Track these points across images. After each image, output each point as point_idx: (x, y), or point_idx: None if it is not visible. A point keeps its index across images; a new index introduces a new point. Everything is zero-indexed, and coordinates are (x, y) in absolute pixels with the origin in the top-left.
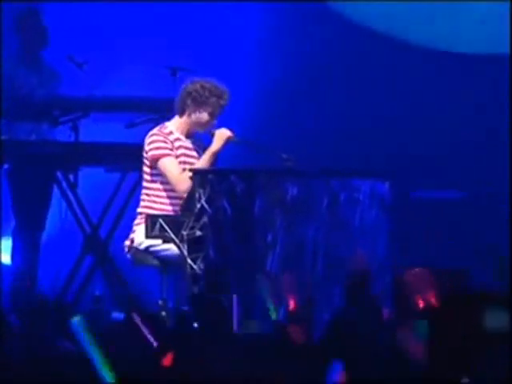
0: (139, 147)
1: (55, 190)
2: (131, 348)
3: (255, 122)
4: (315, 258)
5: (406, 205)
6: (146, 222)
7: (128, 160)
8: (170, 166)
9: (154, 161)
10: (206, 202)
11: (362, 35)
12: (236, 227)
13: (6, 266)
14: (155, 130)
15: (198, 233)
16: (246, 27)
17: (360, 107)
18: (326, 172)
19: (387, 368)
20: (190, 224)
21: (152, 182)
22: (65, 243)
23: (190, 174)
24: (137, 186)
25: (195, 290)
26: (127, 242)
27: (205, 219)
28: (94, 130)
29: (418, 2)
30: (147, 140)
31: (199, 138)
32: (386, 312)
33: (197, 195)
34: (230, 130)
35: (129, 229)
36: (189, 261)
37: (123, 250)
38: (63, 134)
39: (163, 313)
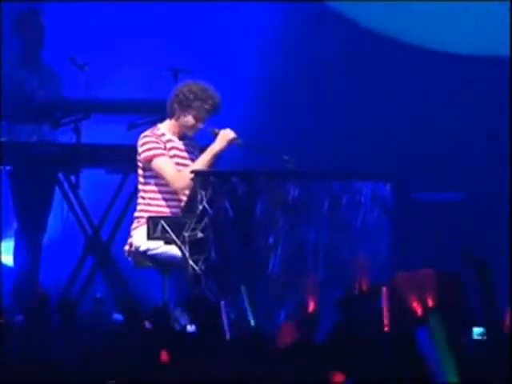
0: None
1: (57, 191)
2: (131, 348)
3: (255, 123)
4: (317, 260)
5: (408, 206)
6: (148, 223)
7: (129, 161)
8: (165, 165)
9: (148, 162)
10: (208, 203)
11: (362, 35)
12: (237, 229)
13: (8, 268)
14: (147, 132)
15: (200, 234)
16: (246, 27)
17: (360, 108)
18: (327, 174)
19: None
20: (192, 225)
21: (146, 184)
22: (66, 245)
23: (186, 172)
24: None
25: (196, 291)
26: (126, 247)
27: (206, 221)
28: (96, 132)
29: (418, 2)
30: (140, 142)
31: (194, 139)
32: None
33: (198, 197)
34: (235, 131)
35: (129, 231)
36: (190, 262)
37: (124, 251)
38: (65, 136)
39: (164, 313)
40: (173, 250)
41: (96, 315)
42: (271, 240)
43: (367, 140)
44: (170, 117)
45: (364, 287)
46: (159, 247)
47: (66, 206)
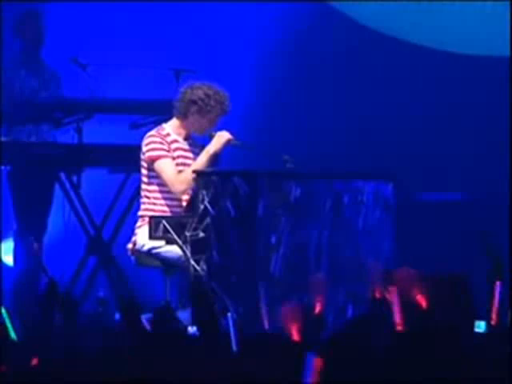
0: None
1: (58, 191)
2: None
3: (255, 123)
4: (319, 260)
5: (407, 206)
6: (150, 223)
7: (131, 161)
8: (166, 167)
9: (151, 162)
10: (210, 203)
11: (364, 35)
12: (239, 228)
13: (9, 268)
14: (152, 132)
15: (201, 234)
16: (246, 28)
17: (361, 107)
18: (329, 173)
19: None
20: (194, 225)
21: (150, 183)
22: (68, 245)
23: (187, 175)
24: (140, 188)
25: (198, 291)
26: (130, 245)
27: (208, 220)
28: (98, 132)
29: (419, 2)
30: (144, 141)
31: (195, 139)
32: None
33: (200, 196)
34: (231, 132)
35: (132, 230)
36: (192, 262)
37: (126, 251)
38: (67, 136)
39: (164, 314)
40: (176, 250)
41: (99, 315)
42: (273, 240)
43: (367, 140)
44: (180, 118)
45: (377, 291)
46: (163, 246)
47: (67, 206)
